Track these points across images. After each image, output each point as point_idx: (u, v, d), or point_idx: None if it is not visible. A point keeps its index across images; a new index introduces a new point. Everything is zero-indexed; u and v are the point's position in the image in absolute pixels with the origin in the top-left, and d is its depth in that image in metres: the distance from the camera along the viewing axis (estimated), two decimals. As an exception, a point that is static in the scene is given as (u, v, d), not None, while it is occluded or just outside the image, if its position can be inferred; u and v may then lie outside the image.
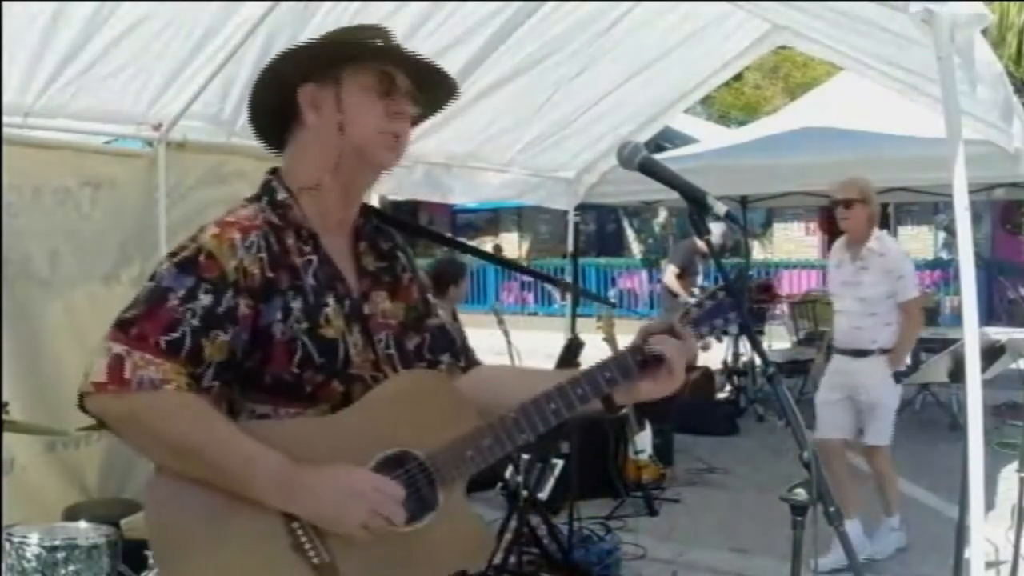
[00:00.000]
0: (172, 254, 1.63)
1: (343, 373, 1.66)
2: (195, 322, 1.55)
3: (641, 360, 1.70)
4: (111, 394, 1.54)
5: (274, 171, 1.78)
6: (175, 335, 1.54)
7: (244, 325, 1.59)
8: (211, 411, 1.57)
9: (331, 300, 1.67)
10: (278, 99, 1.74)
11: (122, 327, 1.55)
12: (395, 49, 1.74)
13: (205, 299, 1.56)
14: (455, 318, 6.25)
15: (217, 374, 1.59)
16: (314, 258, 1.69)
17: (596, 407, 1.72)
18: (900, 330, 4.69)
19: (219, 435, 1.55)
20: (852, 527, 4.60)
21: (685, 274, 8.71)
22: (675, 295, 8.66)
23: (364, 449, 1.61)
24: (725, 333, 1.81)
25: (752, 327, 1.85)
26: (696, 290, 8.84)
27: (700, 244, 8.34)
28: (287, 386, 1.63)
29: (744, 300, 9.24)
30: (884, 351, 4.68)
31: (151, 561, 3.35)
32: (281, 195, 1.72)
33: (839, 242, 4.96)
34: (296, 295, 1.64)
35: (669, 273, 8.67)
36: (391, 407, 1.65)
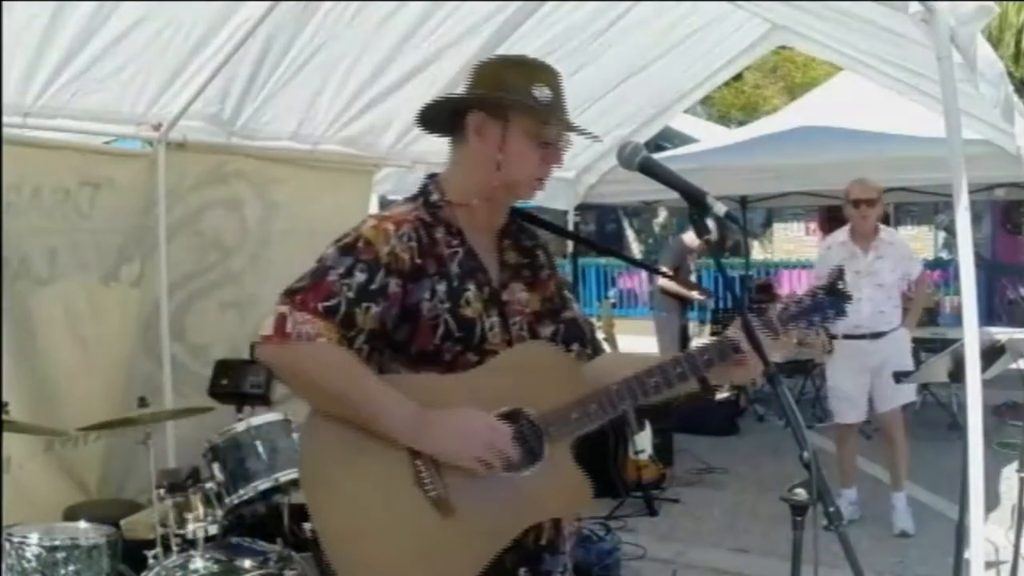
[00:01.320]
0: (336, 241, 1.89)
1: (478, 347, 1.90)
2: (350, 294, 1.82)
3: (735, 347, 1.88)
4: (275, 344, 1.81)
5: (432, 176, 2.04)
6: (332, 303, 1.81)
7: (394, 301, 1.85)
8: (356, 362, 1.82)
9: (472, 286, 1.92)
10: (450, 108, 1.98)
11: (289, 294, 1.83)
12: (562, 114, 1.96)
13: (360, 276, 1.83)
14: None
15: (367, 340, 1.84)
16: (460, 250, 1.94)
17: (692, 387, 1.93)
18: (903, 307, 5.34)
19: (361, 382, 1.80)
20: (850, 494, 5.35)
21: (678, 273, 8.70)
22: (674, 296, 8.65)
23: (485, 404, 1.84)
24: (824, 329, 1.92)
25: (752, 326, 1.85)
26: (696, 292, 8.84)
27: (688, 242, 8.35)
28: (428, 356, 1.88)
29: (745, 300, 9.25)
30: (892, 330, 5.24)
31: (151, 561, 3.36)
32: (435, 197, 1.98)
33: (841, 236, 5.37)
34: (441, 279, 1.89)
35: (664, 279, 8.66)
36: (512, 371, 1.89)
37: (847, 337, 5.22)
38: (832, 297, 1.92)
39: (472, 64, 2.04)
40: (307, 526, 3.26)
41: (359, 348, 1.83)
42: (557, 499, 1.89)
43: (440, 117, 2.02)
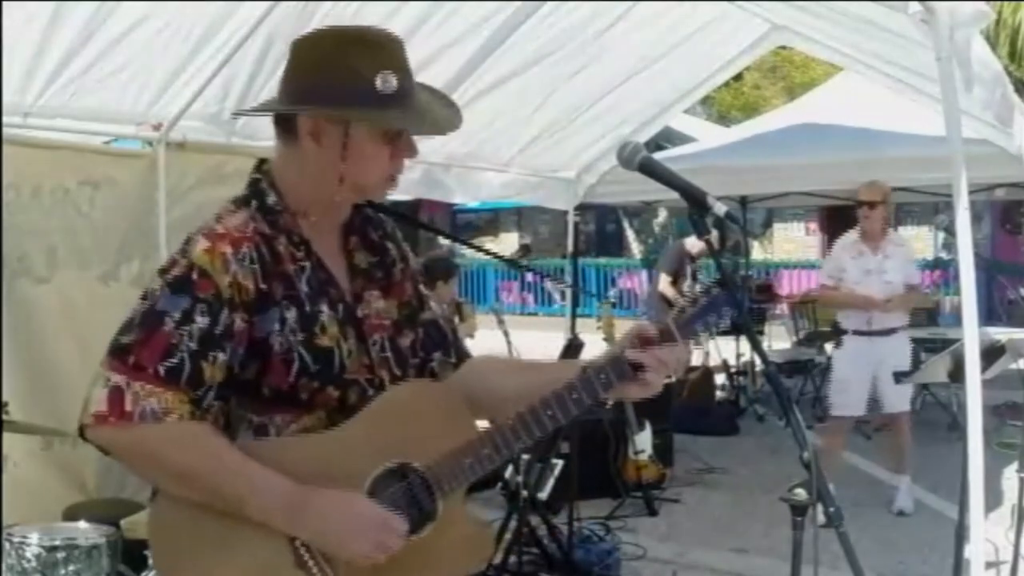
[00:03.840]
0: (163, 270, 1.61)
1: (339, 379, 1.66)
2: (193, 345, 1.54)
3: (635, 365, 1.69)
4: (113, 426, 1.54)
5: (261, 166, 1.74)
6: (174, 361, 1.53)
7: (240, 340, 1.59)
8: (215, 438, 1.57)
9: (325, 307, 1.67)
10: (278, 112, 1.71)
11: (119, 355, 1.55)
12: (412, 100, 1.68)
13: (201, 320, 1.55)
14: (461, 316, 6.25)
15: (218, 393, 1.59)
16: (307, 264, 1.68)
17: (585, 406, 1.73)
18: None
19: (224, 462, 1.55)
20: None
21: (677, 278, 8.70)
22: (670, 302, 8.65)
23: (365, 462, 1.63)
24: (720, 329, 1.80)
25: (751, 326, 1.85)
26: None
27: (688, 247, 8.34)
28: (283, 395, 1.63)
29: (740, 293, 9.26)
30: (904, 328, 5.61)
31: (151, 561, 3.36)
32: (271, 199, 1.69)
33: (851, 238, 5.65)
34: (290, 305, 1.63)
35: (663, 281, 8.66)
36: (390, 420, 1.66)
37: (856, 333, 5.55)
38: (725, 292, 1.77)
39: (293, 42, 1.73)
40: None
41: (209, 406, 1.58)
42: (457, 555, 1.71)
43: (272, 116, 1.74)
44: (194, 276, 1.57)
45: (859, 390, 5.54)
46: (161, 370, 1.53)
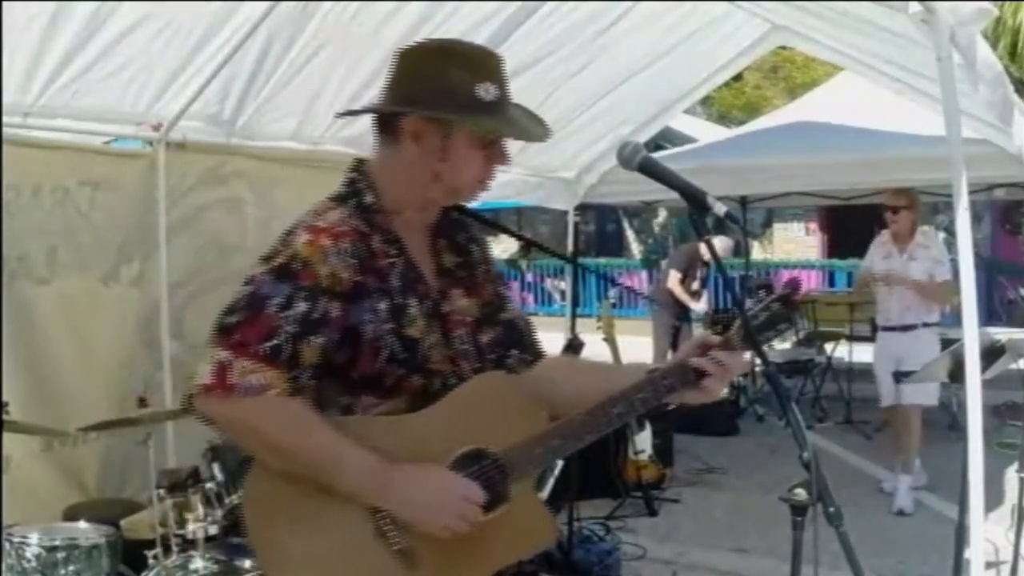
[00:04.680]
0: (266, 259, 1.73)
1: (422, 368, 1.80)
2: (292, 328, 1.67)
3: (696, 369, 1.83)
4: (218, 397, 1.65)
5: (360, 166, 1.87)
6: (275, 342, 1.66)
7: (335, 327, 1.71)
8: (310, 414, 1.69)
9: (413, 301, 1.81)
10: (383, 112, 1.83)
11: (225, 333, 1.67)
12: (509, 110, 1.81)
13: (301, 306, 1.68)
14: None
15: (313, 374, 1.71)
16: (398, 261, 1.81)
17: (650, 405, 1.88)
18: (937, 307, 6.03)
19: (317, 437, 1.67)
20: (907, 480, 5.85)
21: (685, 277, 8.71)
22: (677, 300, 8.66)
23: (445, 445, 1.76)
24: (769, 343, 1.89)
25: (752, 327, 1.85)
26: (696, 296, 8.85)
27: (701, 251, 8.34)
28: (371, 380, 1.76)
29: (746, 294, 9.23)
30: (927, 324, 5.90)
31: (151, 561, 3.36)
32: (368, 198, 1.82)
33: (883, 238, 6.12)
34: (382, 297, 1.77)
35: (673, 279, 8.66)
36: (469, 408, 1.79)
37: (883, 329, 6.08)
38: (785, 308, 1.88)
39: (397, 51, 1.85)
40: None
41: (305, 386, 1.70)
42: (523, 539, 1.84)
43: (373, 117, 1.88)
44: (296, 266, 1.70)
45: (889, 382, 5.89)
46: (263, 349, 1.65)
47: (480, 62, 1.80)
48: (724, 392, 1.91)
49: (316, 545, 1.70)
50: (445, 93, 1.75)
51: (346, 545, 1.70)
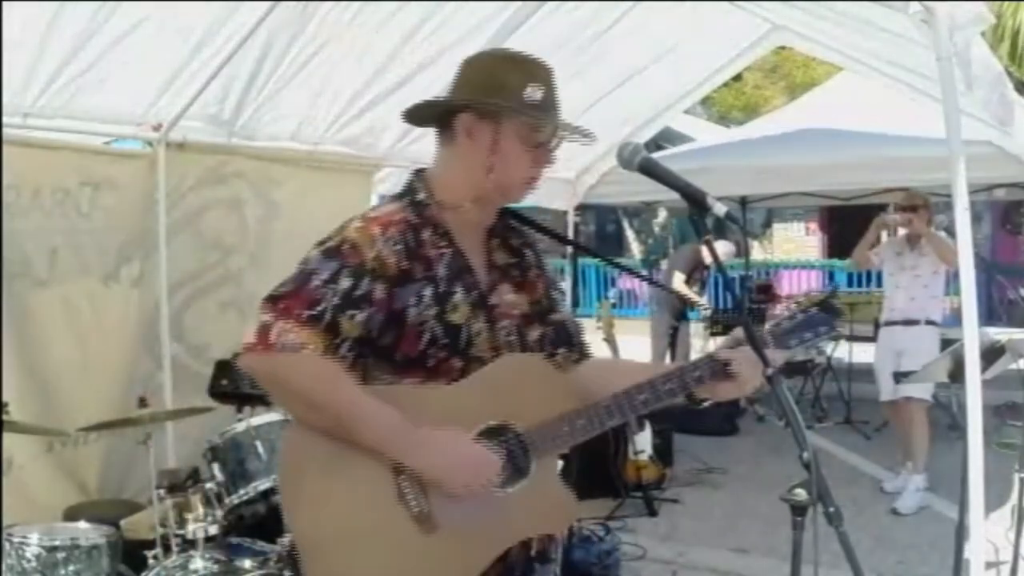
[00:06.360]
0: (319, 243, 1.85)
1: (464, 353, 1.86)
2: (335, 300, 1.77)
3: (725, 363, 1.87)
4: (258, 354, 1.76)
5: (419, 172, 1.99)
6: (317, 310, 1.76)
7: (379, 307, 1.81)
8: (342, 373, 1.78)
9: (459, 289, 1.88)
10: (441, 108, 1.94)
11: (272, 300, 1.78)
12: (555, 114, 1.91)
13: (345, 282, 1.79)
14: None
15: (352, 347, 1.80)
16: (447, 251, 1.90)
17: (679, 399, 1.94)
18: (945, 302, 6.25)
19: (347, 394, 1.76)
20: (918, 480, 5.79)
21: (689, 279, 8.70)
22: (676, 301, 8.64)
23: (472, 418, 1.83)
24: (815, 347, 1.89)
25: (752, 327, 1.85)
26: (700, 297, 8.84)
27: (703, 255, 8.32)
28: (413, 361, 1.83)
29: (744, 294, 9.24)
30: (930, 322, 5.89)
31: (151, 561, 3.36)
32: (422, 196, 1.93)
33: (899, 237, 6.21)
34: (428, 283, 1.85)
35: (677, 279, 8.65)
36: (498, 384, 1.85)
37: (885, 324, 6.10)
38: (825, 313, 1.91)
39: (463, 59, 1.99)
40: (283, 540, 3.24)
41: (344, 356, 1.79)
42: (543, 515, 1.88)
43: (429, 114, 1.99)
44: (344, 247, 1.82)
45: (887, 377, 5.88)
46: (305, 315, 1.75)
47: (531, 68, 1.93)
48: (757, 386, 1.88)
49: (341, 501, 1.77)
50: (497, 90, 1.87)
51: (369, 504, 1.77)
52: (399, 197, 1.95)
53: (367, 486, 1.78)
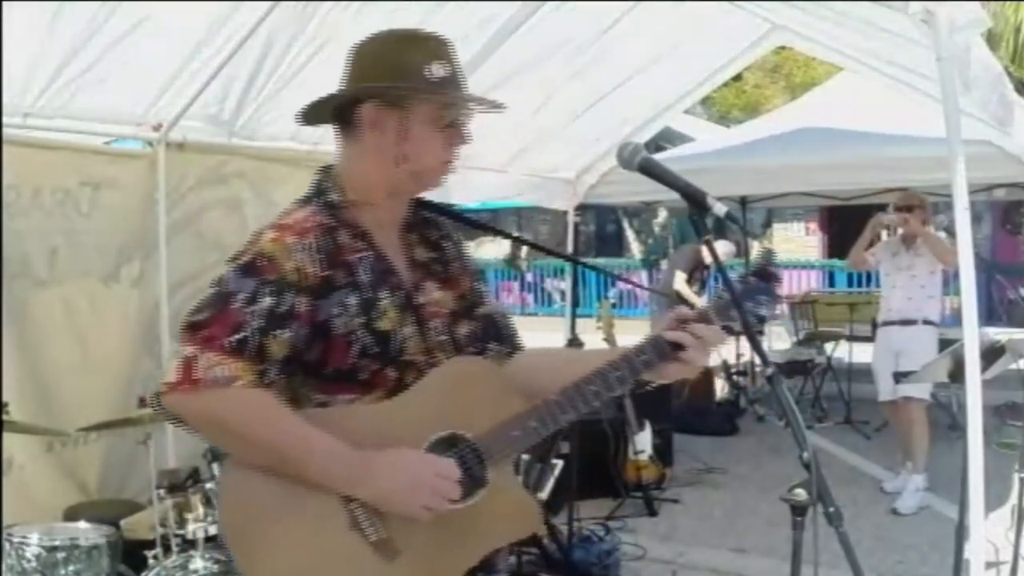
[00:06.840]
0: (233, 258, 1.74)
1: (397, 361, 1.76)
2: (258, 322, 1.65)
3: (672, 343, 1.77)
4: (184, 392, 1.62)
5: (326, 170, 1.86)
6: (241, 335, 1.64)
7: (303, 321, 1.69)
8: (277, 404, 1.67)
9: (384, 293, 1.77)
10: (337, 101, 1.82)
11: (191, 330, 1.66)
12: (461, 90, 1.82)
13: (266, 300, 1.67)
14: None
15: (281, 369, 1.69)
16: (367, 254, 1.79)
17: (629, 386, 1.82)
18: (942, 301, 6.18)
19: (285, 426, 1.65)
20: (918, 480, 5.78)
21: (691, 278, 8.70)
22: (684, 300, 8.64)
23: (418, 432, 1.72)
24: (760, 317, 1.84)
25: (752, 326, 1.84)
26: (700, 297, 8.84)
27: (703, 255, 8.32)
28: (344, 375, 1.73)
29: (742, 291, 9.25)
30: (927, 322, 5.89)
31: (151, 561, 3.36)
32: (333, 195, 1.82)
33: (896, 237, 6.19)
34: (351, 291, 1.74)
35: (679, 279, 8.65)
36: (441, 393, 1.75)
37: (883, 324, 6.09)
38: (763, 280, 1.84)
39: (351, 46, 1.87)
40: None
41: (274, 380, 1.68)
42: (505, 524, 1.78)
43: (325, 111, 1.86)
44: (260, 262, 1.70)
45: (887, 376, 5.88)
46: (229, 343, 1.63)
47: (430, 44, 1.82)
48: (707, 363, 1.82)
49: (292, 541, 1.66)
50: (397, 74, 1.76)
51: (322, 539, 1.67)
52: (308, 200, 1.83)
53: (320, 521, 1.66)
